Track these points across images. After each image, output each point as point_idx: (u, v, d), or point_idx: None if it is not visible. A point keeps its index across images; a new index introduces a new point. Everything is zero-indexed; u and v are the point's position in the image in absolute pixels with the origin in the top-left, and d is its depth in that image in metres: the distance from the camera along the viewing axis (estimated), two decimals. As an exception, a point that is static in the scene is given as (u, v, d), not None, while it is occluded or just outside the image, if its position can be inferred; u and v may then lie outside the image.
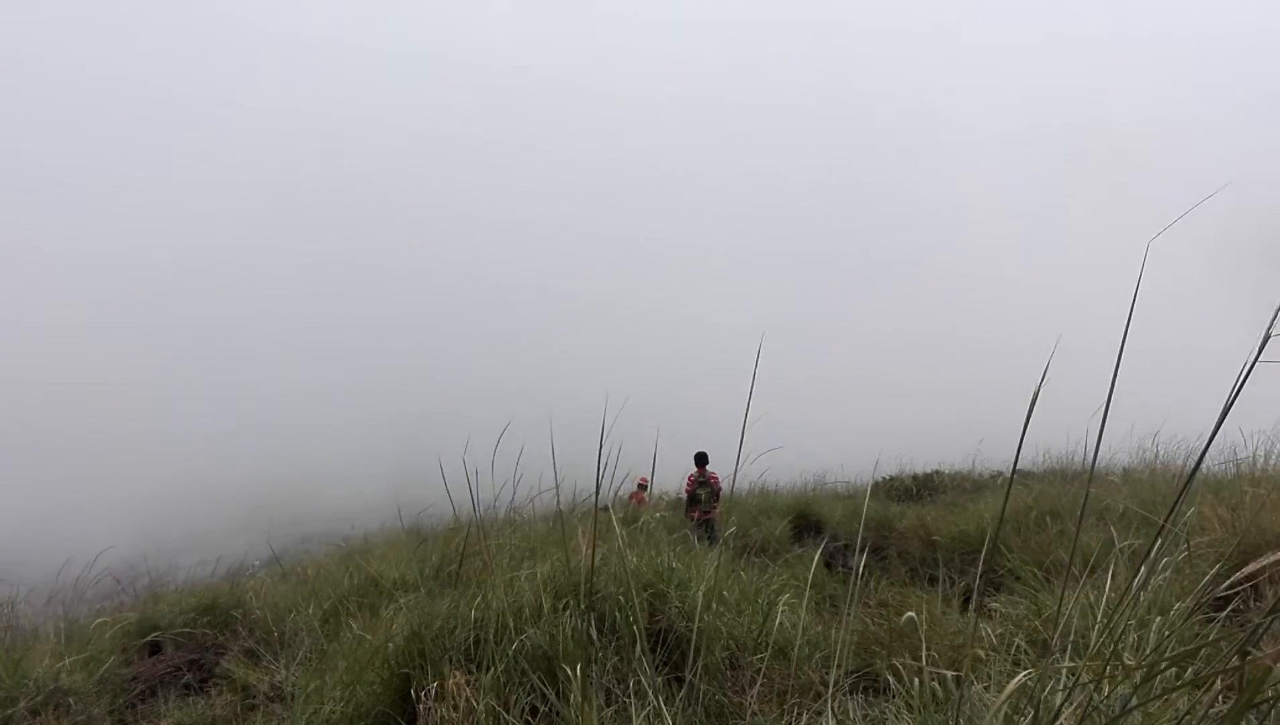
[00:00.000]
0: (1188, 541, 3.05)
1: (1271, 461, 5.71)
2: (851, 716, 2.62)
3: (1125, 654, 2.11)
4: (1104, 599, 2.42)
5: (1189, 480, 1.70)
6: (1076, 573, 3.13)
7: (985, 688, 2.43)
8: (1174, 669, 1.80)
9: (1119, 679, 1.79)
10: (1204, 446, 1.62)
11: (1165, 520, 1.73)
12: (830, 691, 2.39)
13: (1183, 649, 1.98)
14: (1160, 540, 2.79)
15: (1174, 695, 1.63)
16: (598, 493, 3.05)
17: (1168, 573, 2.89)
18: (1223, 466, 6.09)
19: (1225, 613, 2.66)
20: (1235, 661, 1.39)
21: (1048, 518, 6.00)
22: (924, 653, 2.52)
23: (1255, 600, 3.15)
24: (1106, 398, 1.71)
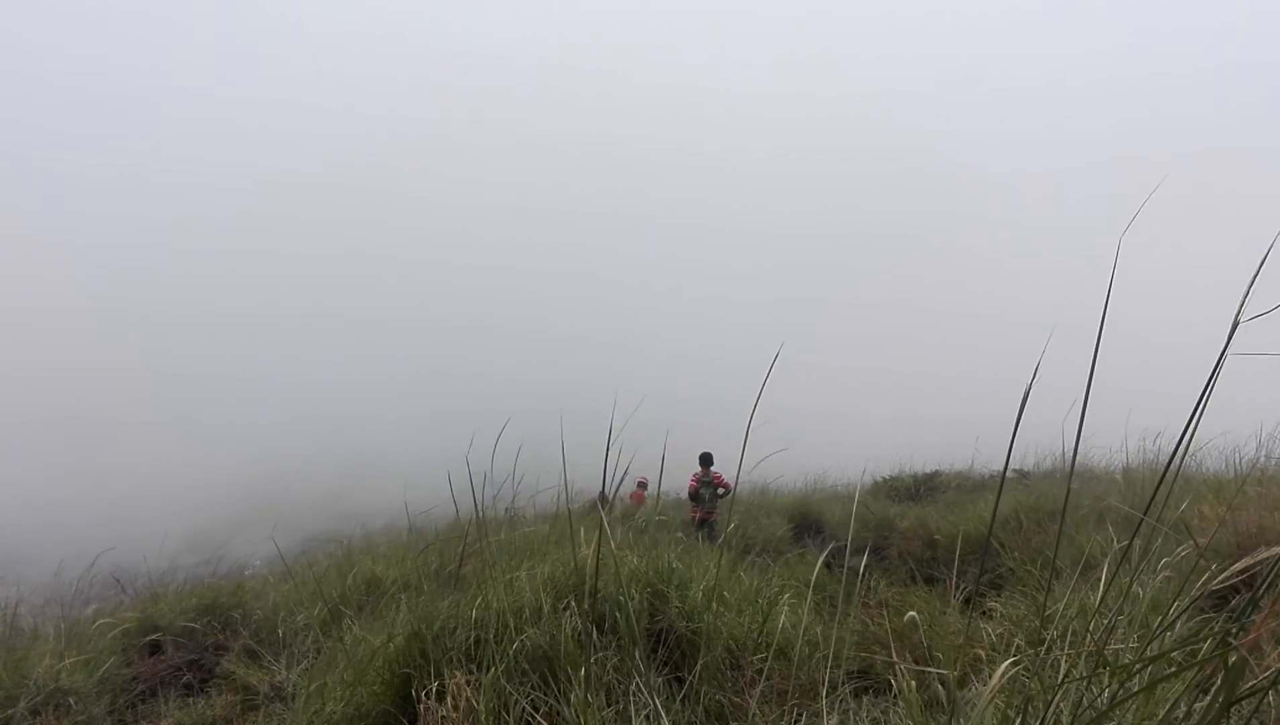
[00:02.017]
0: (1194, 539, 3.05)
1: (1273, 461, 5.72)
2: (851, 717, 2.62)
3: (1119, 648, 2.12)
4: (1099, 596, 2.42)
5: (1164, 473, 1.70)
6: (1069, 572, 3.13)
7: (991, 692, 2.43)
8: (1165, 662, 1.80)
9: (1110, 673, 1.79)
10: (1180, 439, 1.61)
11: (1144, 513, 1.73)
12: (826, 690, 2.39)
13: (1172, 642, 1.99)
14: (1156, 539, 2.79)
15: (1163, 686, 1.63)
16: (603, 493, 3.05)
17: (1166, 572, 2.89)
18: (1224, 466, 6.10)
19: (1225, 612, 2.66)
20: (1220, 648, 1.40)
21: (1047, 517, 6.00)
22: (926, 653, 2.52)
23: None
24: (1084, 396, 1.71)
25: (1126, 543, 2.02)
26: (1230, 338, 1.41)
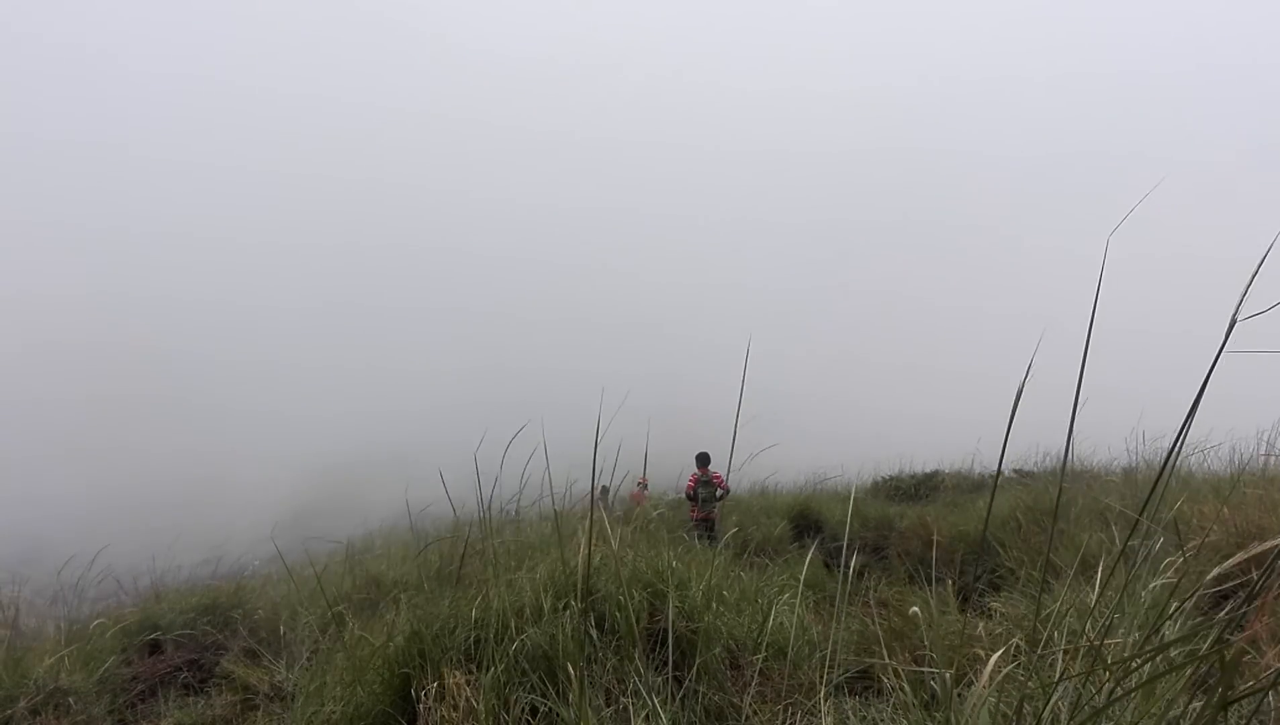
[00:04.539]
0: (1180, 542, 3.05)
1: (1272, 461, 5.71)
2: (850, 717, 2.62)
3: (1116, 643, 2.12)
4: (1096, 594, 2.42)
5: (1160, 475, 1.70)
6: (1069, 571, 3.13)
7: (984, 687, 2.43)
8: (1162, 659, 1.80)
9: (1107, 669, 1.79)
10: (1175, 439, 1.61)
11: (1140, 513, 1.73)
12: (824, 690, 2.39)
13: (1169, 639, 1.98)
14: (1155, 540, 2.79)
15: (1161, 685, 1.62)
16: (604, 488, 3.05)
17: (1167, 574, 2.88)
18: (1223, 466, 6.10)
19: (1225, 613, 2.66)
20: (1217, 645, 1.39)
21: (1047, 517, 6.00)
22: (925, 652, 2.52)
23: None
24: (1075, 396, 1.70)
25: (1124, 543, 2.02)
26: (1227, 337, 1.39)
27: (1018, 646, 2.75)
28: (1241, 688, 1.25)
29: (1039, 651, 1.91)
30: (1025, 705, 1.75)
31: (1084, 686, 1.71)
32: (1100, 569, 2.45)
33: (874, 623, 3.90)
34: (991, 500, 2.00)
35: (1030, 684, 1.84)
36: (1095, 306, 1.70)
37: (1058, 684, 1.76)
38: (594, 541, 3.07)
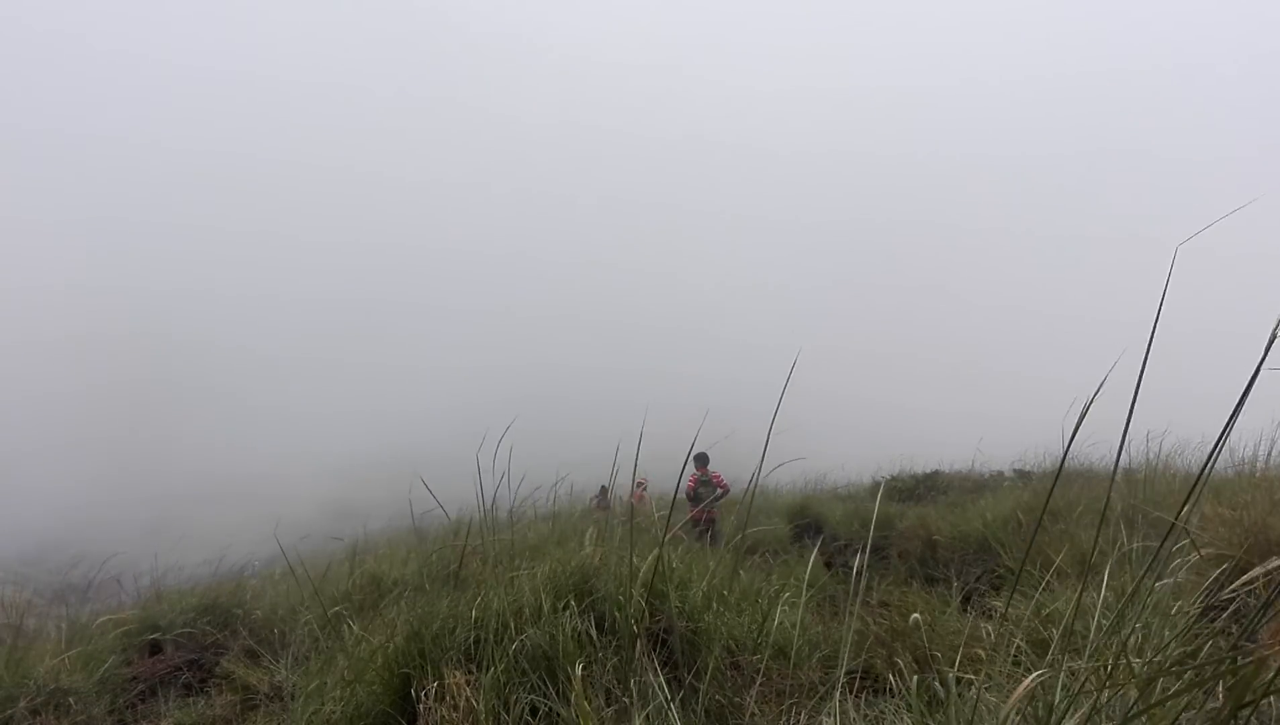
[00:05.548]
0: (1194, 544, 3.03)
1: (1272, 461, 5.70)
2: (851, 717, 2.61)
3: (1130, 657, 2.10)
4: (1102, 601, 2.41)
5: (1198, 480, 1.68)
6: (1076, 574, 3.12)
7: (985, 688, 2.43)
8: (1176, 671, 1.79)
9: (1123, 683, 1.77)
10: (1215, 448, 1.60)
11: (1175, 519, 1.71)
12: (825, 689, 2.39)
13: (1183, 650, 1.97)
14: (1164, 542, 2.78)
15: (1178, 700, 1.61)
16: (602, 488, 3.05)
17: (1177, 575, 2.87)
18: (1224, 467, 6.08)
19: (1227, 613, 2.65)
20: (1230, 659, 1.38)
21: (1047, 517, 5.99)
22: (926, 652, 2.51)
23: (1255, 600, 3.13)
24: (1130, 407, 1.68)
25: (1136, 545, 2.00)
26: (1267, 351, 1.38)
27: (1019, 648, 2.76)
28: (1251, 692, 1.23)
29: (1064, 665, 1.89)
30: (1050, 715, 1.73)
31: (1102, 698, 1.69)
32: (1129, 573, 2.43)
33: (874, 623, 3.90)
34: (1045, 504, 1.98)
35: (1051, 695, 1.82)
36: (1157, 320, 1.68)
37: (1076, 695, 1.74)
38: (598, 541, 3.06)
